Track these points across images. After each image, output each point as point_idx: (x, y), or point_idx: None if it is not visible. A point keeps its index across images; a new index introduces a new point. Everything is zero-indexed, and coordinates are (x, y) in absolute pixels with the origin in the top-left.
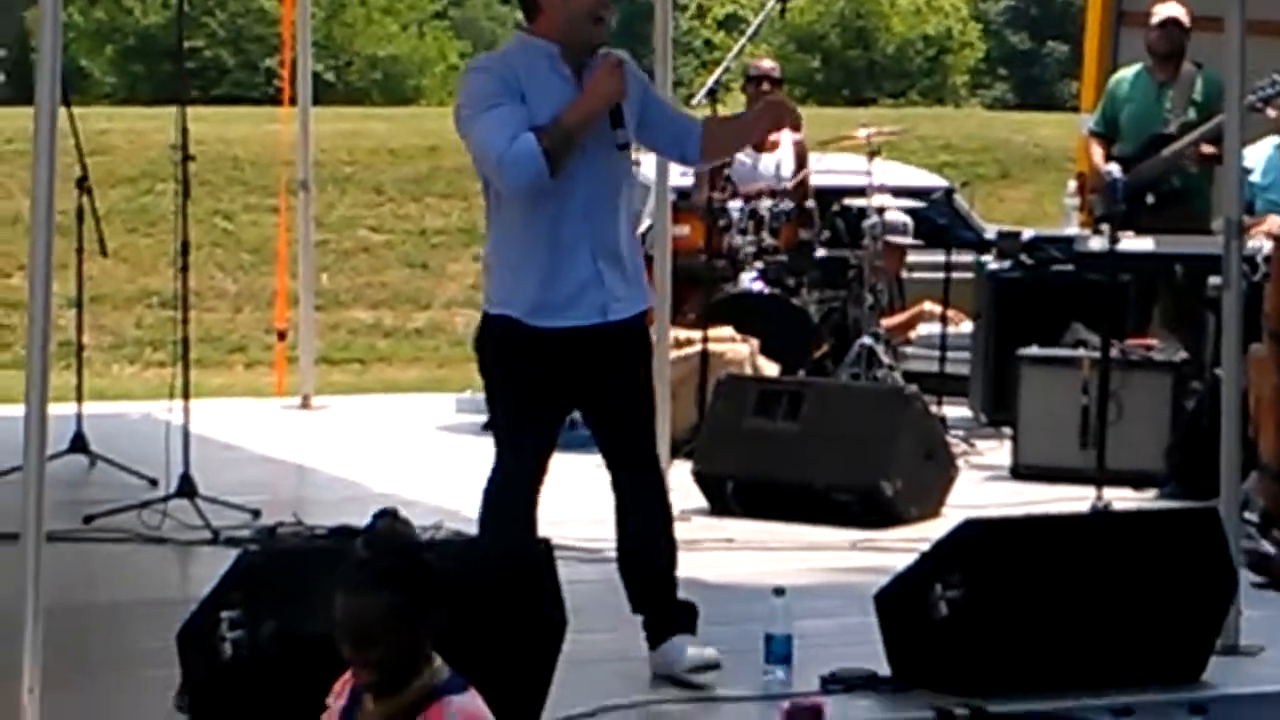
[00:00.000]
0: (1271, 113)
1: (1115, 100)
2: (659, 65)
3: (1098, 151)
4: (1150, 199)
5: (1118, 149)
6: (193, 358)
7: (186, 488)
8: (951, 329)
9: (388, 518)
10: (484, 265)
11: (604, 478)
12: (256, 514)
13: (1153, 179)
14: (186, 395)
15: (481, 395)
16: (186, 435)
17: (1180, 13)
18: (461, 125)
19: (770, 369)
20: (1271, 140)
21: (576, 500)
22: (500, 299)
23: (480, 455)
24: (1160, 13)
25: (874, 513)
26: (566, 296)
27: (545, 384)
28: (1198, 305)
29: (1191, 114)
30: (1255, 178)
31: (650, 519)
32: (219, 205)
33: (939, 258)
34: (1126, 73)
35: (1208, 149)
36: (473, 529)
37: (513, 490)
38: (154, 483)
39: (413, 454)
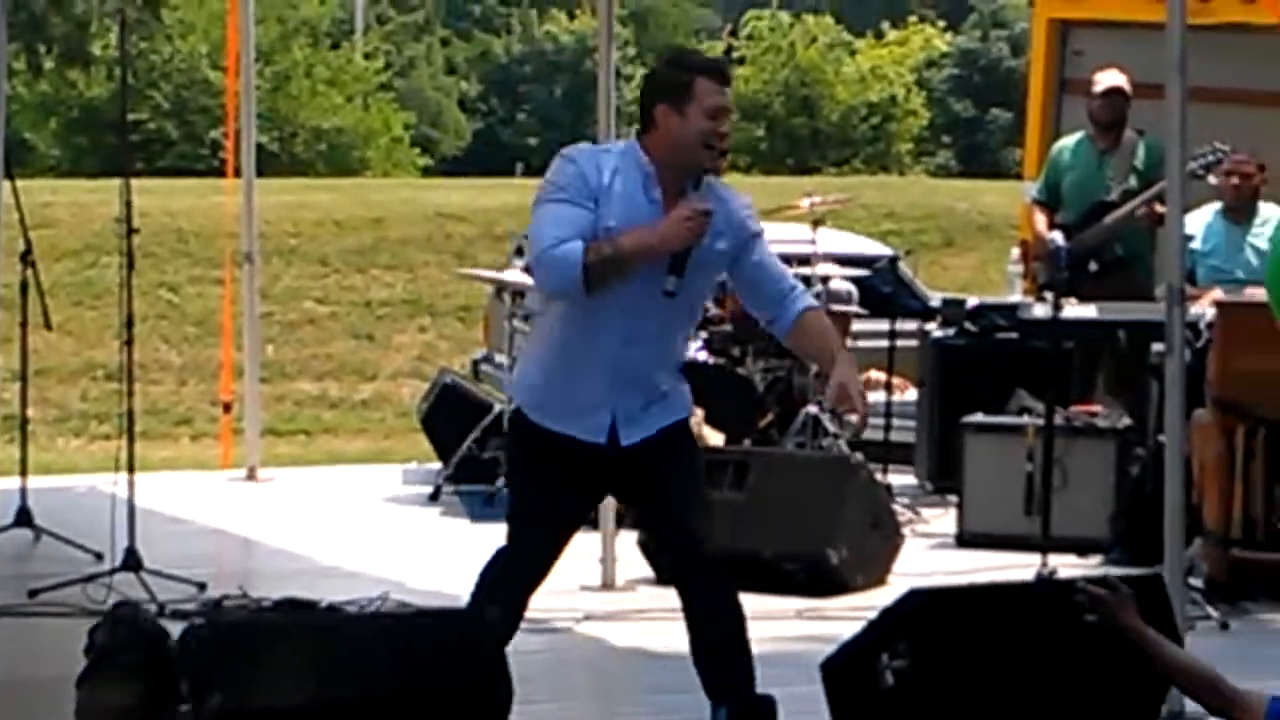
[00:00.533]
0: (1212, 180)
1: (1058, 168)
2: (601, 136)
3: (1041, 219)
4: (1093, 266)
5: (1060, 217)
6: (138, 430)
7: (132, 561)
8: (896, 397)
9: (128, 608)
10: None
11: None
12: (202, 587)
13: (1095, 246)
14: (131, 468)
15: (428, 466)
16: (132, 508)
17: (1122, 81)
18: (533, 205)
19: (715, 439)
20: (1211, 207)
21: None
22: (518, 385)
23: (426, 526)
24: (1102, 81)
25: (820, 581)
26: (567, 406)
27: (552, 479)
28: (1141, 372)
29: (1133, 181)
30: (1196, 245)
31: (720, 627)
32: (164, 278)
33: (884, 326)
34: (1068, 141)
35: (1161, 209)
36: (419, 600)
37: (508, 580)
38: (99, 556)
39: (359, 526)
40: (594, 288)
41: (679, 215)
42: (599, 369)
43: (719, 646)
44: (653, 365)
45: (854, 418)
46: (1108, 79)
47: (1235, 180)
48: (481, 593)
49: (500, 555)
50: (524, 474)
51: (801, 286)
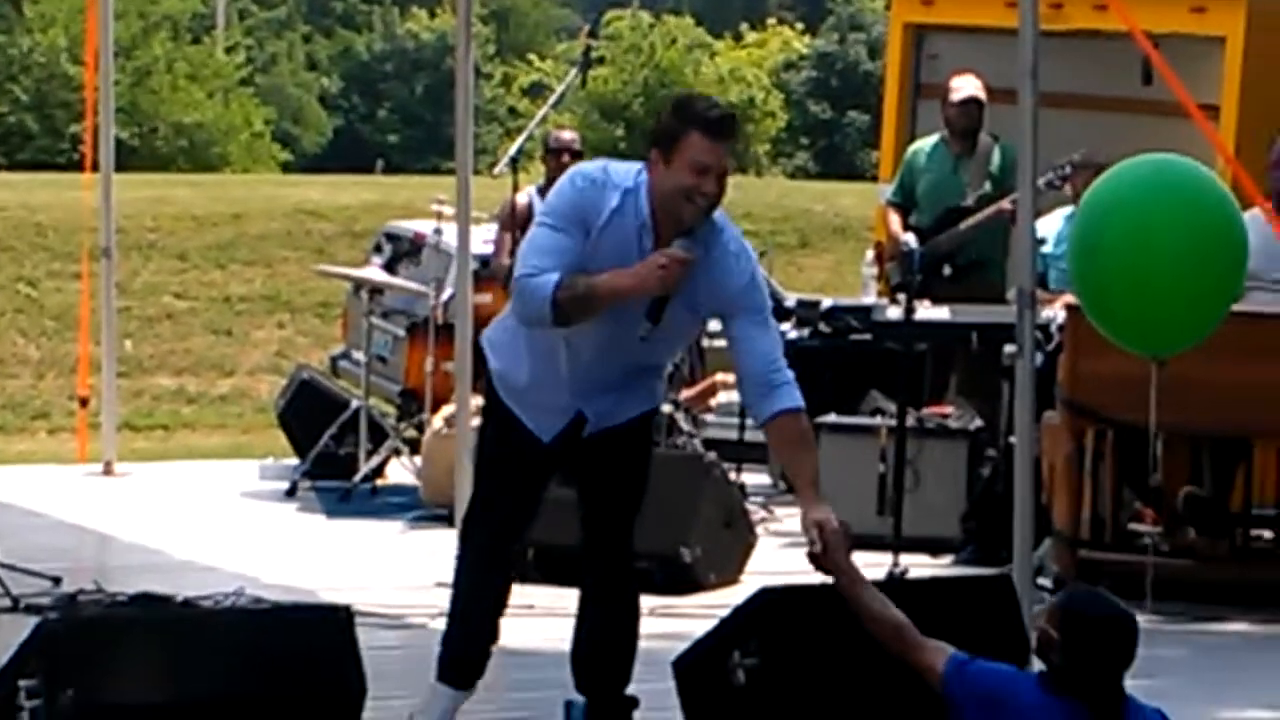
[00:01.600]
0: (1068, 190)
1: (913, 171)
2: (459, 134)
3: (895, 220)
4: (947, 270)
5: (915, 219)
6: None
7: None
8: None
9: None
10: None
11: (409, 543)
12: (57, 581)
13: (950, 250)
14: None
15: (285, 461)
16: None
17: (978, 88)
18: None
19: None
20: (1063, 211)
21: (380, 566)
22: (495, 355)
23: (283, 522)
24: (958, 88)
25: (674, 579)
26: (533, 404)
27: (518, 444)
28: (993, 374)
29: (988, 187)
30: (1048, 248)
31: (613, 615)
32: (22, 271)
33: None
34: (924, 144)
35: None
36: (275, 595)
37: (487, 534)
38: None
39: (216, 520)
40: (564, 322)
41: (654, 261)
42: (566, 386)
43: (609, 646)
44: (627, 380)
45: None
46: (964, 85)
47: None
48: (466, 553)
49: (471, 513)
50: (494, 429)
51: (790, 381)
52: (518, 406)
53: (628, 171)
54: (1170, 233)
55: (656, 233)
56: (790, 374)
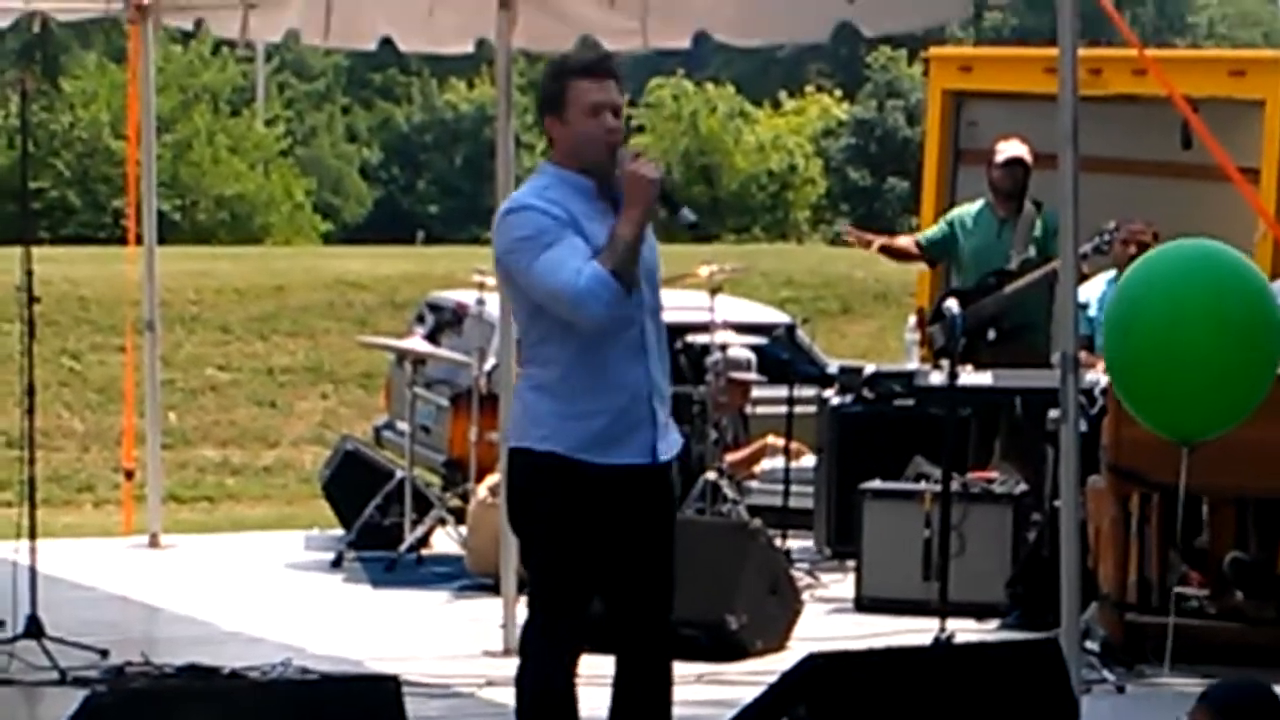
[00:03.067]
0: (1112, 256)
1: (955, 229)
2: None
3: (904, 240)
4: (991, 334)
5: (958, 282)
6: (40, 497)
7: (34, 628)
8: (795, 463)
9: None
10: (519, 400)
11: (455, 613)
12: (105, 654)
13: (994, 314)
14: (34, 535)
15: (330, 532)
16: (34, 575)
17: (1023, 152)
18: (514, 270)
19: None
20: (1105, 276)
21: (426, 636)
22: (543, 434)
23: (329, 592)
24: (1004, 151)
25: (720, 646)
26: (621, 432)
27: (589, 524)
28: (1037, 438)
29: (1032, 252)
30: (1092, 312)
31: (649, 693)
32: (66, 345)
33: (782, 393)
34: (970, 208)
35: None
36: (321, 666)
37: (555, 647)
38: (1, 623)
39: (262, 592)
40: (628, 284)
41: (629, 168)
42: (639, 385)
43: (646, 716)
44: (659, 380)
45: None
46: (1009, 149)
47: (1133, 249)
48: (529, 663)
49: (532, 634)
50: (552, 524)
51: None
52: (607, 454)
53: (532, 181)
54: (1202, 322)
55: (599, 191)
56: None
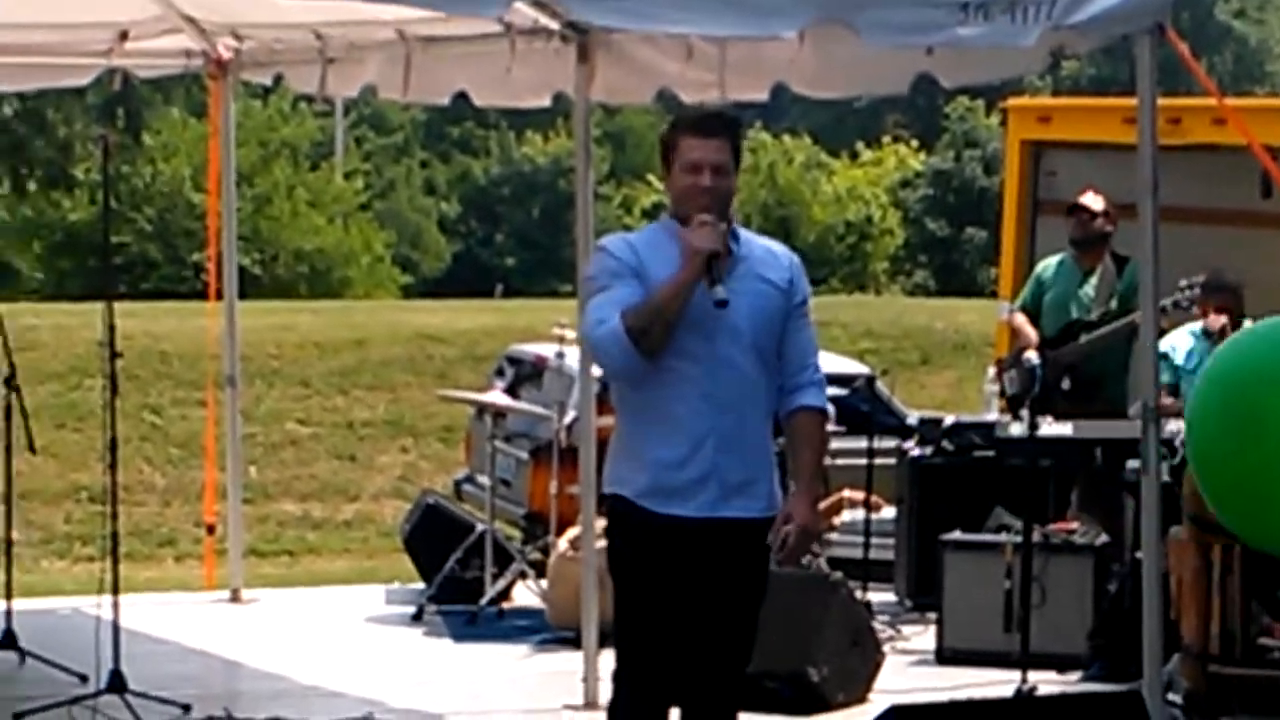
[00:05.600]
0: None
1: (1040, 283)
2: (580, 256)
3: (1024, 322)
4: (1066, 384)
5: (1045, 331)
6: (122, 552)
7: (117, 683)
8: (875, 515)
9: None
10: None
11: (536, 667)
12: (187, 709)
13: (1071, 364)
14: (116, 590)
15: (411, 586)
16: (116, 630)
17: (1091, 199)
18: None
19: None
20: (1189, 327)
21: (507, 690)
22: (615, 478)
23: (409, 646)
24: (1083, 203)
25: (801, 699)
26: (681, 484)
27: (654, 571)
28: (1115, 489)
29: (1114, 304)
30: (1179, 360)
31: None
32: (147, 400)
33: (861, 444)
34: (1053, 259)
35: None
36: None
37: (634, 707)
38: (84, 679)
39: (342, 646)
40: (646, 346)
41: (684, 236)
42: (699, 433)
43: None
44: (748, 422)
45: (775, 541)
46: (1088, 202)
47: (1224, 319)
48: (611, 707)
49: (616, 699)
50: (625, 573)
51: (818, 383)
52: (665, 504)
53: (642, 229)
54: None
55: None
56: (822, 376)
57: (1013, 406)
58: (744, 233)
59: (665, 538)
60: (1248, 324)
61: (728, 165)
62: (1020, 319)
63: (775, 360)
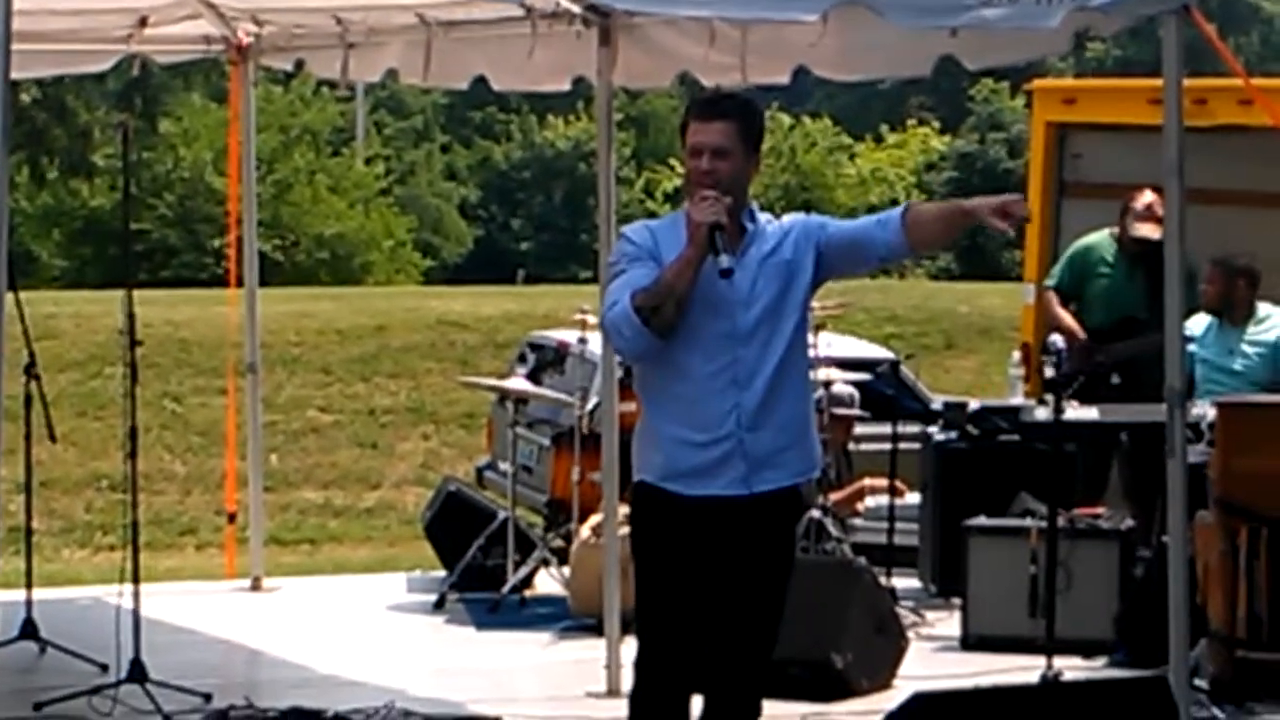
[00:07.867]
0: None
1: (1085, 265)
2: (603, 241)
3: (1056, 303)
4: (1115, 379)
5: (1089, 320)
6: (143, 541)
7: (137, 672)
8: (899, 501)
9: None
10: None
11: (558, 654)
12: (208, 698)
13: (1126, 359)
14: (136, 579)
15: (433, 573)
16: (137, 619)
17: (1154, 233)
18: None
19: None
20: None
21: (529, 678)
22: (639, 463)
23: (431, 634)
24: (1139, 228)
25: (825, 685)
26: (707, 464)
27: (679, 555)
28: (1157, 474)
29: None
30: (1192, 347)
31: None
32: (167, 388)
33: (886, 429)
34: (1097, 240)
35: None
36: (424, 709)
37: (656, 693)
38: (104, 668)
39: (363, 634)
40: (658, 325)
41: (687, 211)
42: (723, 410)
43: None
44: (777, 394)
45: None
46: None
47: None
48: (631, 694)
49: (637, 680)
50: (647, 557)
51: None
52: (690, 485)
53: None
54: None
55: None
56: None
57: (1055, 389)
58: (761, 215)
59: (692, 519)
60: (1262, 306)
61: (728, 148)
62: (1054, 299)
63: (799, 330)
